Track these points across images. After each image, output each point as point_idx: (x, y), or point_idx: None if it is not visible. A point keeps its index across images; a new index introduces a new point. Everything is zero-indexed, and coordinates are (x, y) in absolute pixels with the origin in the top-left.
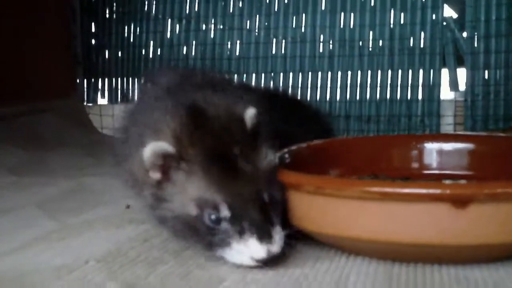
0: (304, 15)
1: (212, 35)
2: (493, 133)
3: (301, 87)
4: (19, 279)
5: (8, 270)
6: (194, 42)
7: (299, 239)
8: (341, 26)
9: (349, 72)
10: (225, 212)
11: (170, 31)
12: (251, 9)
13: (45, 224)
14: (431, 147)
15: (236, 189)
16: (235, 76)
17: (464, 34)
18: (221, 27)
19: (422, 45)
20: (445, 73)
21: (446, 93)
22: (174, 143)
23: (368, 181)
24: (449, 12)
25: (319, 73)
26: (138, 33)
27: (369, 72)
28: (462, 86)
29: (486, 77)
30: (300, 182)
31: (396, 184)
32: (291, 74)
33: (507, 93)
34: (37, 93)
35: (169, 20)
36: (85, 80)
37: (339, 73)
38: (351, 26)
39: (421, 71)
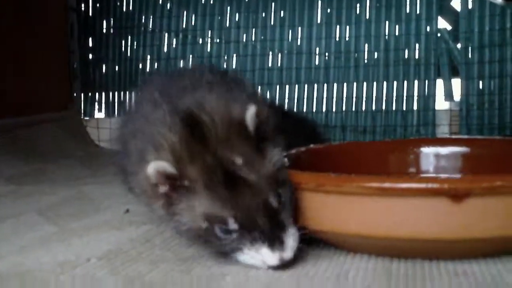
0: (300, 27)
1: (208, 49)
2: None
3: (297, 99)
4: (22, 276)
5: (10, 268)
6: (191, 55)
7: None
8: (337, 38)
9: (345, 84)
10: (233, 225)
11: (167, 45)
12: (247, 22)
13: (46, 228)
14: (428, 151)
15: (241, 201)
16: None
17: (458, 45)
18: (218, 40)
19: (417, 56)
20: (440, 83)
21: (441, 103)
22: (174, 162)
23: (366, 177)
24: (443, 23)
25: (315, 85)
26: (135, 47)
27: (365, 83)
28: (457, 96)
29: (481, 87)
30: (300, 181)
31: (394, 179)
32: (287, 86)
33: (501, 102)
34: (36, 106)
35: (166, 34)
36: (83, 94)
37: (335, 84)
38: (347, 38)
39: (416, 82)
